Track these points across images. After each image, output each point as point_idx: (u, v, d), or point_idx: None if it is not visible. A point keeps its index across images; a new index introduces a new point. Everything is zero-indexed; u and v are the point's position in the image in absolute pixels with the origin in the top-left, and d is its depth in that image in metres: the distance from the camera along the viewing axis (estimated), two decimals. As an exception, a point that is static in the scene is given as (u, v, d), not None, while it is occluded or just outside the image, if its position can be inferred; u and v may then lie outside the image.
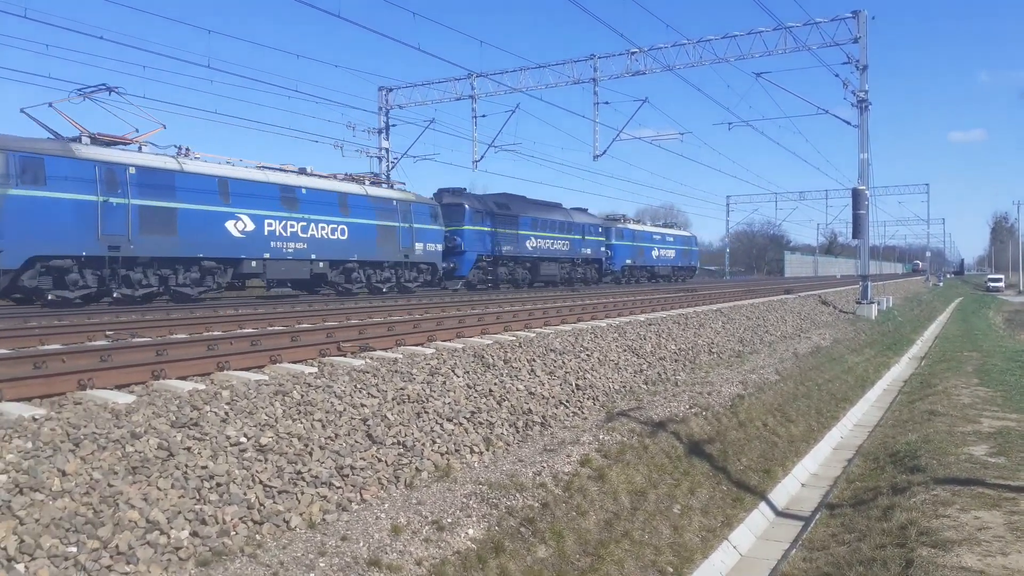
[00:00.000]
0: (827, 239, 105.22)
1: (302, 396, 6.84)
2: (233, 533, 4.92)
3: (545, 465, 7.20)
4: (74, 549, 4.21)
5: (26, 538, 4.11)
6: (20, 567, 3.96)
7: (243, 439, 5.81)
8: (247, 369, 7.82)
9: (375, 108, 36.24)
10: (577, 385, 10.08)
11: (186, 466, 5.22)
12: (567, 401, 9.50)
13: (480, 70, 33.50)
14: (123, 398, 6.04)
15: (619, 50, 31.34)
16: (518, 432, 8.23)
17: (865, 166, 27.24)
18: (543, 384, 9.55)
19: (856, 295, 30.12)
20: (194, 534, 4.76)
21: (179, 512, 4.84)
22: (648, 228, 47.83)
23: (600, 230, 39.69)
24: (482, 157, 35.18)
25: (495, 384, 8.87)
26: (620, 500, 7.20)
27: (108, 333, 10.74)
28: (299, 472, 5.79)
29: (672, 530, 7.23)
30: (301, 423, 6.40)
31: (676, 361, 13.28)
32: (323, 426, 6.54)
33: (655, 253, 47.18)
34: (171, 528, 4.69)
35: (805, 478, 10.49)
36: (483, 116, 34.92)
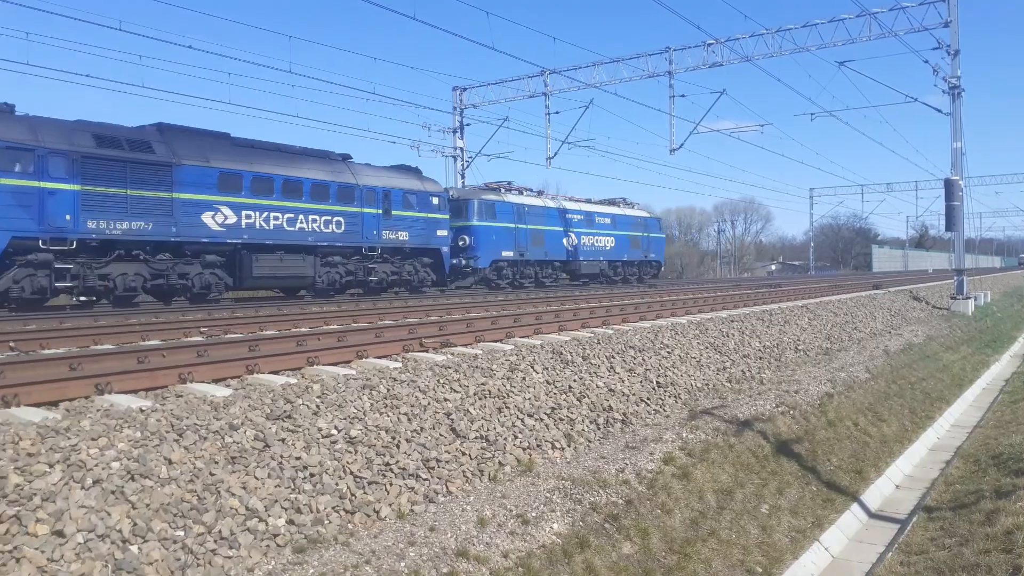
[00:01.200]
0: (917, 232, 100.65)
1: (388, 390, 6.99)
2: (327, 522, 5.07)
3: (628, 462, 7.15)
4: (181, 533, 4.43)
5: (139, 521, 4.34)
6: (134, 548, 4.19)
7: (334, 431, 5.98)
8: (335, 364, 8.05)
9: (450, 108, 36.67)
10: (658, 382, 9.96)
11: (281, 457, 5.42)
12: (648, 399, 9.40)
13: (553, 67, 33.42)
14: (220, 391, 6.31)
15: (695, 42, 30.86)
16: (599, 429, 8.20)
17: (958, 155, 25.92)
18: (623, 381, 9.48)
19: (950, 290, 28.70)
20: (290, 522, 4.93)
21: (276, 501, 5.03)
22: (560, 204, 32.69)
23: (435, 202, 24.41)
24: (555, 154, 35.14)
25: (574, 381, 8.85)
26: (706, 499, 7.08)
27: (203, 330, 11.24)
28: (387, 464, 5.93)
29: (760, 530, 7.07)
30: (388, 416, 6.55)
31: (761, 359, 12.96)
32: (409, 419, 6.67)
33: (575, 241, 32.21)
34: (269, 516, 4.87)
35: (899, 480, 10.07)
36: (556, 113, 34.91)
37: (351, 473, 5.64)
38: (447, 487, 6.07)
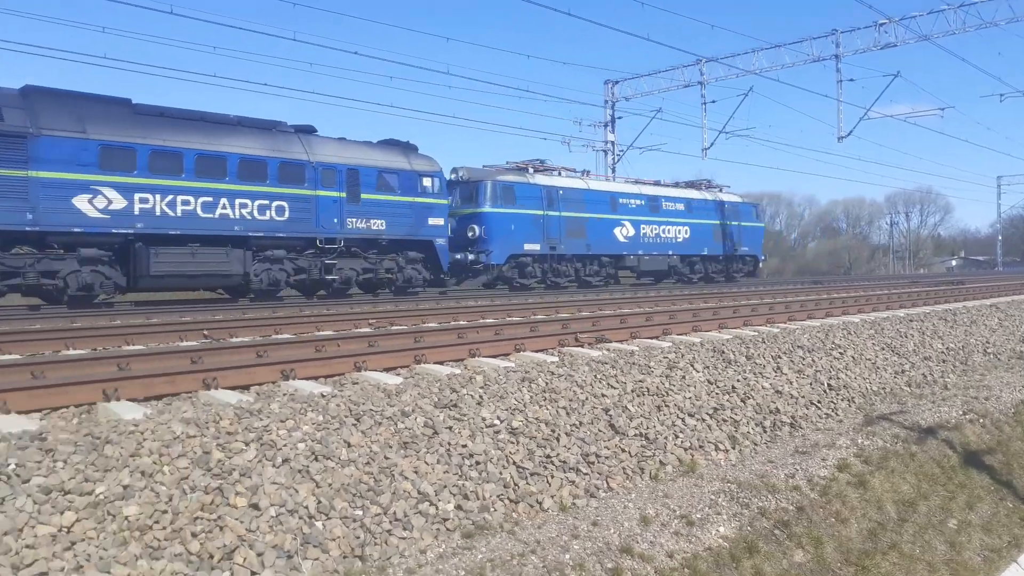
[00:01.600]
0: None
1: (546, 383, 7.05)
2: (492, 509, 5.19)
3: (798, 468, 6.80)
4: (360, 512, 4.69)
5: (322, 499, 4.64)
6: (319, 524, 4.48)
7: (496, 421, 6.11)
8: (494, 356, 8.23)
9: (601, 102, 36.51)
10: (829, 385, 9.40)
11: (449, 444, 5.60)
12: (819, 402, 8.90)
13: (710, 55, 32.47)
14: (392, 379, 6.62)
15: (865, 23, 28.92)
16: (765, 432, 7.85)
17: None
18: (791, 383, 9.02)
19: None
20: (458, 507, 5.09)
21: (444, 486, 5.21)
22: (609, 186, 27.24)
23: (426, 184, 20.04)
24: (712, 144, 34.09)
25: (738, 381, 8.53)
26: (885, 509, 6.60)
27: (371, 322, 11.87)
28: (548, 456, 5.98)
29: (948, 546, 6.50)
30: (547, 409, 6.60)
31: (944, 362, 11.92)
32: (567, 413, 6.69)
33: (630, 232, 26.41)
34: (438, 500, 5.06)
35: (1115, 502, 8.91)
36: (713, 102, 33.80)
37: (514, 463, 5.74)
38: (607, 483, 6.04)
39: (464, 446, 5.65)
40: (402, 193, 19.51)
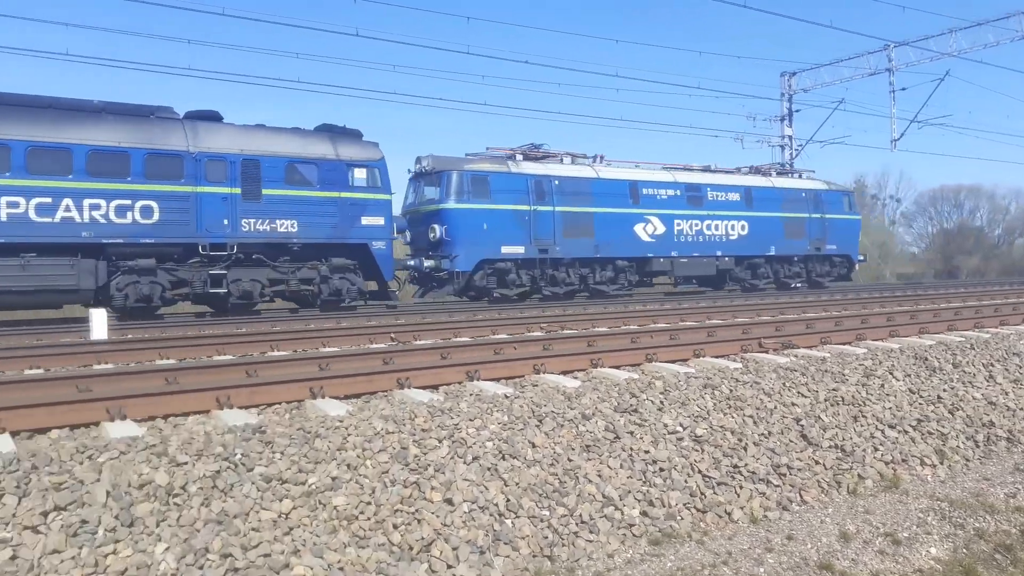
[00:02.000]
0: None
1: (731, 391, 6.81)
2: (679, 518, 5.08)
3: (1020, 487, 6.11)
4: (547, 513, 4.75)
5: (511, 498, 4.76)
6: (508, 522, 4.59)
7: (679, 428, 5.98)
8: (672, 361, 8.06)
9: (776, 95, 34.87)
10: (1054, 396, 8.36)
11: (631, 449, 5.55)
12: (1041, 414, 7.94)
13: (900, 38, 30.01)
14: (570, 383, 6.67)
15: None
16: (978, 447, 7.12)
17: None
18: (1007, 393, 8.12)
19: None
20: (643, 514, 5.03)
21: (628, 491, 5.16)
22: (632, 174, 22.02)
23: (358, 176, 16.81)
24: (902, 135, 31.51)
25: (944, 390, 7.80)
26: None
27: (542, 326, 12.05)
28: (735, 466, 5.77)
29: None
30: (732, 417, 6.37)
31: None
32: (754, 422, 6.43)
33: (657, 229, 21.61)
34: (623, 505, 5.02)
35: None
36: (903, 89, 31.23)
37: (699, 472, 5.59)
38: (800, 496, 5.73)
39: (647, 452, 5.58)
40: (323, 187, 16.14)
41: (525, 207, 19.23)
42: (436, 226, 18.38)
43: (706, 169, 24.09)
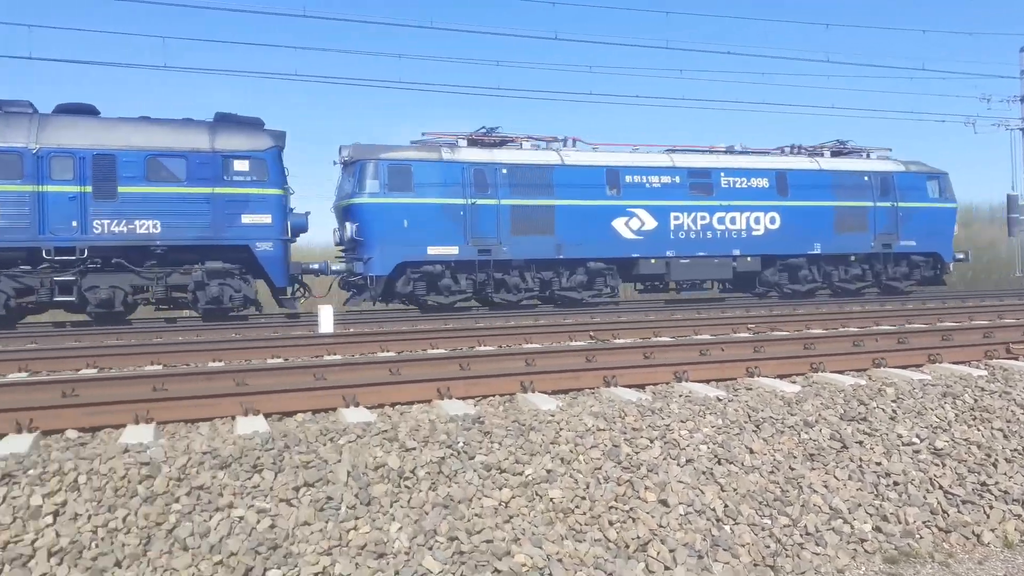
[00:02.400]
0: None
1: (975, 401, 6.12)
2: (918, 536, 4.64)
3: None
4: (768, 521, 4.53)
5: (728, 503, 4.59)
6: (727, 528, 4.44)
7: (915, 440, 5.47)
8: (902, 367, 7.39)
9: (1016, 73, 30.84)
10: None
11: (860, 459, 5.16)
12: None
13: None
14: (789, 387, 6.31)
15: None
16: None
17: None
18: None
19: None
20: (876, 529, 4.65)
21: (859, 504, 4.80)
22: (610, 158, 18.16)
23: (238, 168, 14.57)
24: None
25: None
26: None
27: (749, 326, 11.54)
28: (983, 483, 5.17)
29: None
30: (978, 430, 5.72)
31: None
32: (1005, 436, 5.72)
33: (647, 224, 17.85)
34: (853, 519, 4.67)
35: None
36: None
37: (940, 488, 5.07)
38: (1068, 523, 5.01)
39: (878, 464, 5.15)
40: (192, 183, 14.19)
41: (460, 200, 16.40)
42: (348, 224, 16.23)
43: (729, 149, 19.67)
